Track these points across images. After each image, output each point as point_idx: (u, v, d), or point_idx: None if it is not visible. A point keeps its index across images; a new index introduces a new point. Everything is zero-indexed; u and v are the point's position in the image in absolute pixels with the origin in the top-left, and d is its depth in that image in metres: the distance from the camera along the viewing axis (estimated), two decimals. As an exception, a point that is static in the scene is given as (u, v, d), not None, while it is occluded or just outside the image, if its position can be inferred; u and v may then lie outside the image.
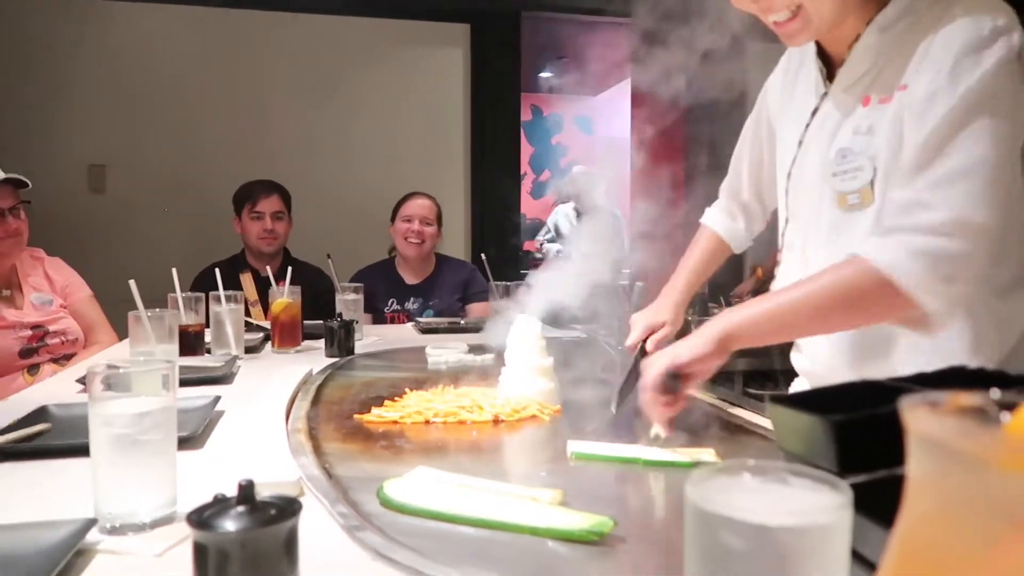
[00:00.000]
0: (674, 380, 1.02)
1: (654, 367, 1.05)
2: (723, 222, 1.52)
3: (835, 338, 1.17)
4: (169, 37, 3.72)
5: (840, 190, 1.10)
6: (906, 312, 0.96)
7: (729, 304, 2.79)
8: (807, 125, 1.19)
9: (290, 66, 3.91)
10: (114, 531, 0.79)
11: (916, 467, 0.33)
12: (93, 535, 0.77)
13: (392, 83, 4.04)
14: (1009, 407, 0.34)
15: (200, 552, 0.58)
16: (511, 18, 4.17)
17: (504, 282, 2.30)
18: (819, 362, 1.23)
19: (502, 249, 4.03)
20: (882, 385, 0.72)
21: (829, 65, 1.17)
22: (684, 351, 1.03)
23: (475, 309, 2.95)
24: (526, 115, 7.18)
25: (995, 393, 0.33)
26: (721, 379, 2.07)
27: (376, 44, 4.03)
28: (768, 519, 0.41)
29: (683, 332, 1.34)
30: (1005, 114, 0.95)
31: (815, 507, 0.43)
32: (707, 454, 1.06)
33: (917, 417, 0.32)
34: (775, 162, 1.33)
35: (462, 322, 2.56)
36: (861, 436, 0.60)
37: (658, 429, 1.09)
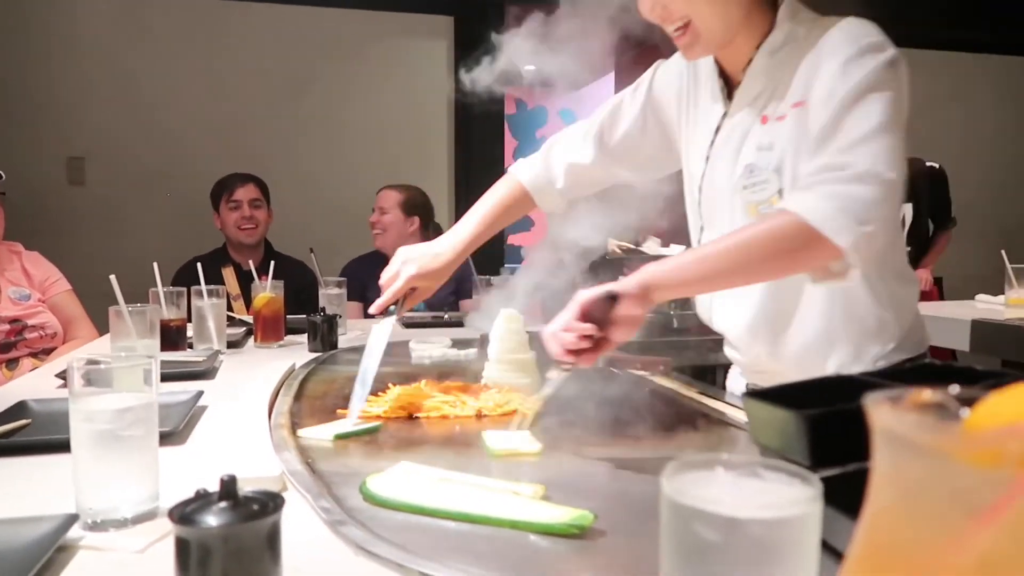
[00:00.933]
0: (608, 302, 1.01)
1: (583, 297, 1.03)
2: (531, 173, 1.50)
3: (746, 310, 1.25)
4: (149, 28, 3.69)
5: (751, 201, 1.19)
6: (824, 256, 1.02)
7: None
8: (712, 142, 1.28)
9: (273, 57, 3.88)
10: (96, 527, 0.79)
11: (879, 461, 0.34)
12: (75, 531, 0.77)
13: (375, 75, 4.02)
14: (969, 402, 0.35)
15: (182, 547, 0.58)
16: (495, 9, 4.16)
17: (488, 276, 2.31)
18: (733, 335, 1.32)
19: (486, 243, 4.03)
20: (854, 380, 0.74)
21: (728, 85, 1.27)
22: (595, 291, 1.03)
23: (469, 304, 2.95)
24: (510, 108, 7.16)
25: (954, 389, 0.34)
26: (701, 373, 2.09)
27: (359, 36, 4.01)
28: (739, 512, 0.42)
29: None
30: (891, 100, 1.04)
31: (786, 500, 0.44)
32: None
33: (880, 412, 0.33)
34: (659, 148, 1.42)
35: (446, 316, 2.56)
36: (833, 430, 0.62)
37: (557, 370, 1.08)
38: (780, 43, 1.17)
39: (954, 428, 0.33)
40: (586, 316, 1.02)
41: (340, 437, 1.16)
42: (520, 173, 1.52)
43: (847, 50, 1.07)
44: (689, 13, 1.14)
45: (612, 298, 1.01)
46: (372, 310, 1.41)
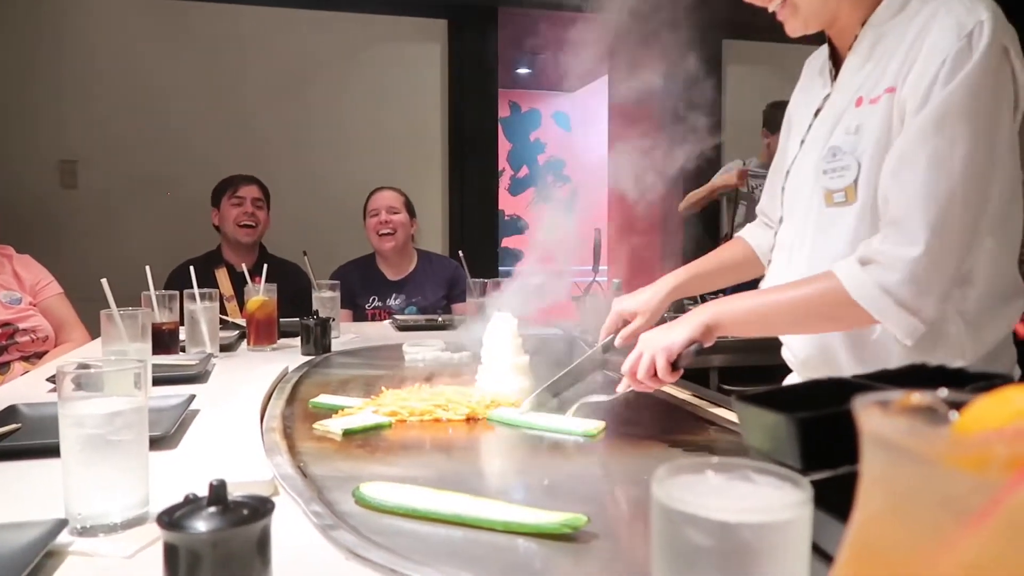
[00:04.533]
0: (675, 364, 1.15)
1: (645, 355, 1.16)
2: (756, 233, 1.48)
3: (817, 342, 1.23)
4: (143, 30, 3.67)
5: (828, 187, 1.14)
6: (875, 325, 1.07)
7: (704, 300, 2.78)
8: (810, 126, 1.24)
9: (267, 61, 3.88)
10: (85, 532, 0.78)
11: (868, 465, 0.34)
12: (64, 536, 0.76)
13: (370, 78, 4.02)
14: (958, 406, 0.35)
15: (171, 553, 0.58)
16: (489, 13, 4.17)
17: (482, 279, 2.30)
18: (800, 355, 1.28)
19: (480, 246, 4.03)
20: (847, 383, 0.74)
21: (837, 66, 1.23)
22: (679, 338, 1.14)
23: (461, 308, 2.94)
24: (504, 111, 7.17)
25: (943, 392, 0.34)
26: (695, 375, 2.09)
27: (354, 39, 4.01)
28: (730, 516, 0.42)
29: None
30: (984, 113, 1.00)
31: (776, 504, 0.44)
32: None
33: (868, 416, 0.33)
34: None
35: (439, 319, 2.56)
36: (824, 433, 0.62)
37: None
38: (886, 17, 1.11)
39: (942, 432, 0.33)
40: (673, 364, 1.15)
41: (348, 432, 1.17)
42: (744, 233, 1.52)
43: (950, 42, 1.00)
44: None
45: (700, 351, 1.15)
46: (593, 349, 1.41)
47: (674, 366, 1.15)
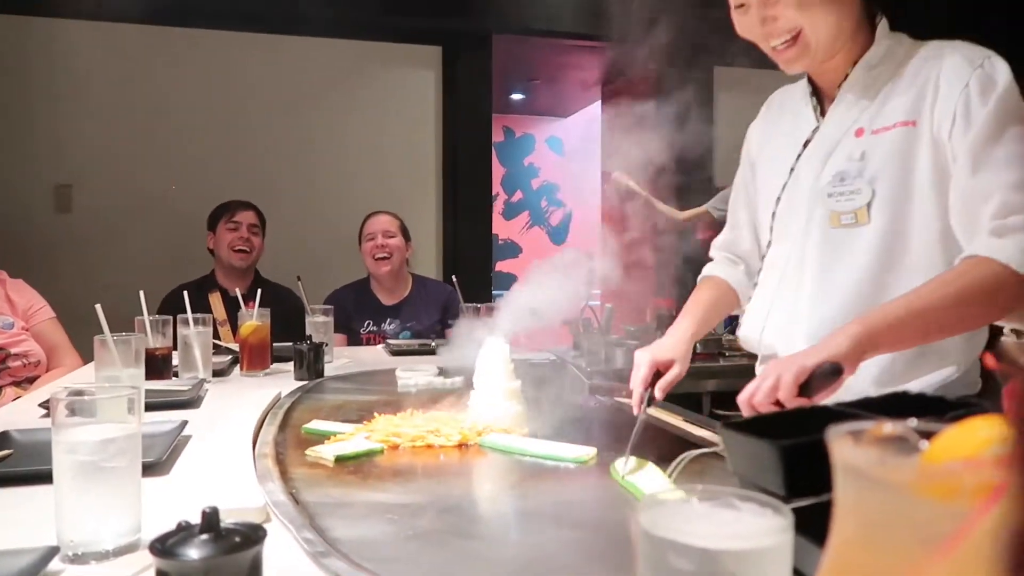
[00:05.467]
0: (830, 375, 0.98)
1: (770, 376, 1.02)
2: (725, 269, 1.48)
3: (804, 328, 1.23)
4: (138, 57, 3.71)
5: (835, 209, 1.20)
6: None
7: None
8: (799, 155, 1.28)
9: (262, 86, 3.91)
10: (77, 559, 0.78)
11: (842, 493, 0.35)
12: (55, 564, 0.76)
13: (364, 104, 4.05)
14: (928, 435, 0.37)
15: (163, 580, 0.58)
16: (483, 40, 4.22)
17: (475, 303, 2.32)
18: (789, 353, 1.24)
19: (474, 270, 4.04)
20: (830, 410, 0.75)
21: (820, 101, 1.29)
22: (817, 358, 1.00)
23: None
24: (498, 136, 7.22)
25: (913, 422, 0.35)
26: (686, 400, 2.10)
27: (349, 65, 4.05)
28: (712, 543, 0.43)
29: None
30: None
31: (758, 531, 0.45)
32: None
33: (840, 446, 0.34)
34: (756, 194, 1.42)
35: (432, 344, 2.57)
36: (807, 460, 0.63)
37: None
38: (879, 59, 1.20)
39: (912, 462, 0.34)
40: (802, 388, 1.01)
41: (341, 459, 1.17)
42: (715, 271, 1.50)
43: (966, 72, 1.10)
44: (802, 23, 1.15)
45: (836, 371, 0.99)
46: (635, 411, 1.27)
47: (805, 391, 1.00)
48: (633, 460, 1.08)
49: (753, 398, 1.04)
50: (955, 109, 1.10)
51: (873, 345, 1.02)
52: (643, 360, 1.29)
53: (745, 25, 1.20)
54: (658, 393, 1.27)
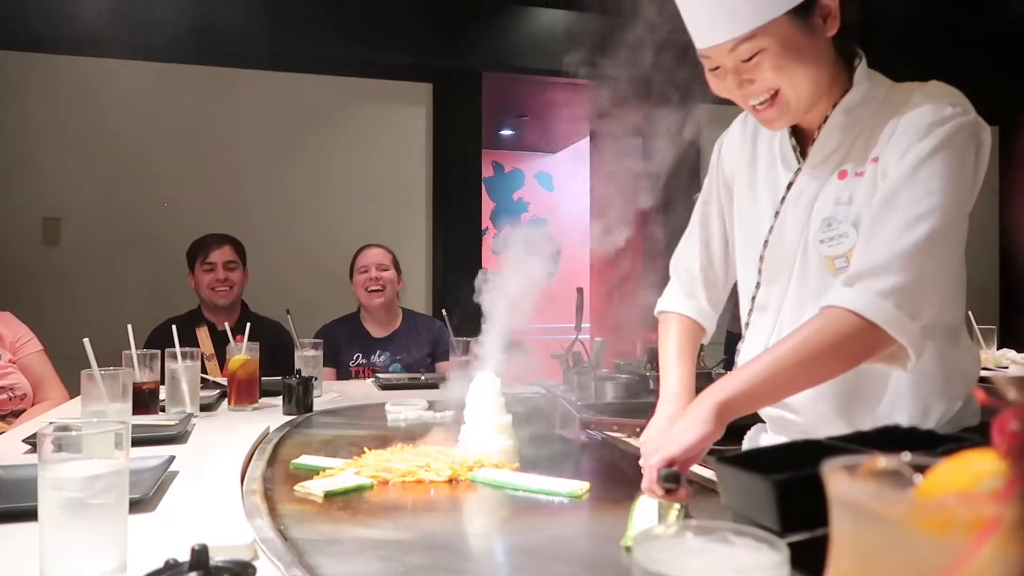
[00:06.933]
0: (673, 479, 0.97)
1: (649, 465, 1.01)
2: (685, 303, 1.43)
3: (820, 389, 1.20)
4: (128, 92, 3.71)
5: (828, 255, 1.19)
6: (883, 349, 1.05)
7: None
8: (783, 198, 1.27)
9: (252, 122, 3.93)
10: (60, 599, 0.77)
11: (837, 527, 0.35)
12: (38, 603, 0.75)
13: (356, 140, 4.09)
14: (922, 469, 0.37)
15: (150, 620, 0.57)
16: (473, 77, 4.28)
17: (465, 338, 2.31)
18: (805, 414, 1.26)
19: (464, 305, 4.04)
20: (823, 445, 0.75)
21: (800, 142, 1.28)
22: (676, 446, 0.99)
23: (445, 367, 2.94)
24: (487, 171, 7.27)
25: (907, 456, 0.35)
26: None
27: (341, 101, 4.08)
28: (707, 578, 0.43)
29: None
30: (956, 170, 1.07)
31: (754, 566, 0.45)
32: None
33: (835, 480, 0.34)
34: (735, 225, 1.39)
35: (422, 378, 2.56)
36: (801, 495, 0.63)
37: (671, 513, 1.01)
38: (858, 102, 1.19)
39: (906, 496, 0.34)
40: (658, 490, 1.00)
41: (330, 495, 1.16)
42: (676, 307, 1.43)
43: (925, 117, 1.10)
44: (779, 84, 1.14)
45: (673, 477, 0.98)
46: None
47: (680, 473, 0.99)
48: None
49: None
50: (902, 148, 1.10)
51: (732, 412, 1.03)
52: (654, 459, 1.07)
53: (721, 87, 1.19)
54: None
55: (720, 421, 1.02)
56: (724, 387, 1.05)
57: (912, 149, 1.09)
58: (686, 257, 1.46)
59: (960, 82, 1.17)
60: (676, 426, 1.04)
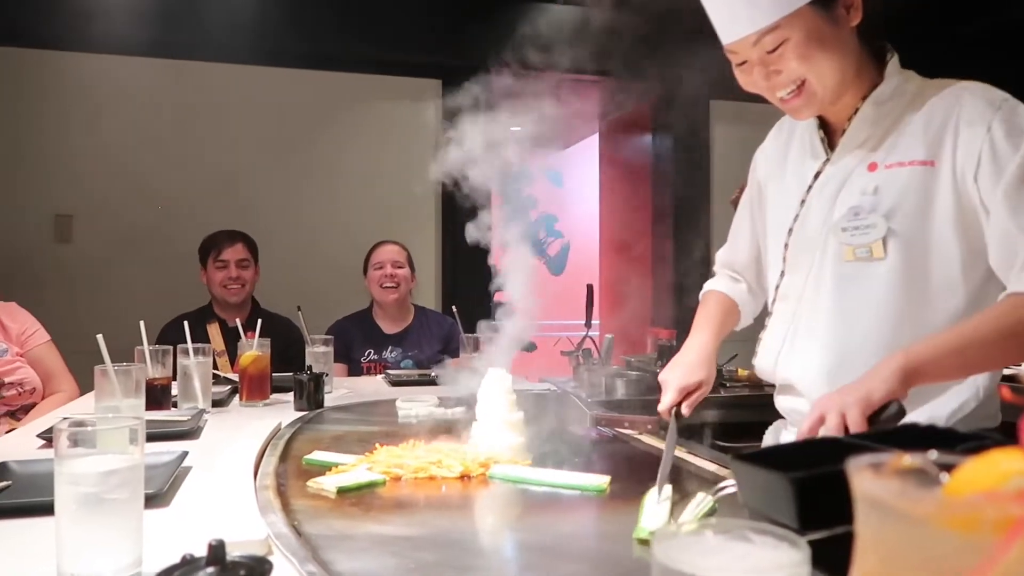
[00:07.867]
0: (874, 419, 1.00)
1: (832, 415, 1.01)
2: (730, 287, 1.53)
3: (821, 357, 1.24)
4: (140, 88, 3.73)
5: (848, 243, 1.20)
6: None
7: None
8: (809, 187, 1.29)
9: (264, 118, 3.94)
10: (77, 593, 0.77)
11: (862, 526, 0.35)
12: (55, 597, 0.75)
13: (365, 136, 4.09)
14: (948, 468, 0.36)
15: (168, 615, 0.58)
16: (482, 73, 4.27)
17: (475, 334, 2.31)
18: (805, 383, 1.28)
19: (474, 301, 4.04)
20: (841, 442, 0.75)
21: (829, 135, 1.30)
22: (876, 391, 1.02)
23: (457, 362, 2.94)
24: (497, 167, 7.26)
25: (933, 454, 0.35)
26: (688, 431, 2.09)
27: (349, 98, 4.09)
28: (728, 576, 0.43)
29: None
30: None
31: (773, 564, 0.44)
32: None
33: (861, 478, 0.34)
34: (766, 223, 1.43)
35: (433, 374, 2.56)
36: (820, 492, 0.62)
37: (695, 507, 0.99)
38: (888, 95, 1.21)
39: (934, 494, 0.34)
40: (869, 423, 1.01)
41: (343, 490, 1.16)
42: (718, 286, 1.55)
43: (988, 115, 1.12)
44: (805, 73, 1.16)
45: (901, 412, 1.02)
46: (661, 410, 1.35)
47: (870, 423, 1.01)
48: (668, 488, 1.05)
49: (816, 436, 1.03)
50: (980, 152, 1.11)
51: (917, 378, 1.04)
52: (671, 384, 1.33)
53: (748, 81, 1.22)
54: (685, 410, 1.31)
55: (905, 384, 1.02)
56: (916, 352, 1.05)
57: (1007, 160, 1.09)
58: (729, 253, 1.56)
59: (958, 80, 1.18)
60: (863, 382, 1.05)
